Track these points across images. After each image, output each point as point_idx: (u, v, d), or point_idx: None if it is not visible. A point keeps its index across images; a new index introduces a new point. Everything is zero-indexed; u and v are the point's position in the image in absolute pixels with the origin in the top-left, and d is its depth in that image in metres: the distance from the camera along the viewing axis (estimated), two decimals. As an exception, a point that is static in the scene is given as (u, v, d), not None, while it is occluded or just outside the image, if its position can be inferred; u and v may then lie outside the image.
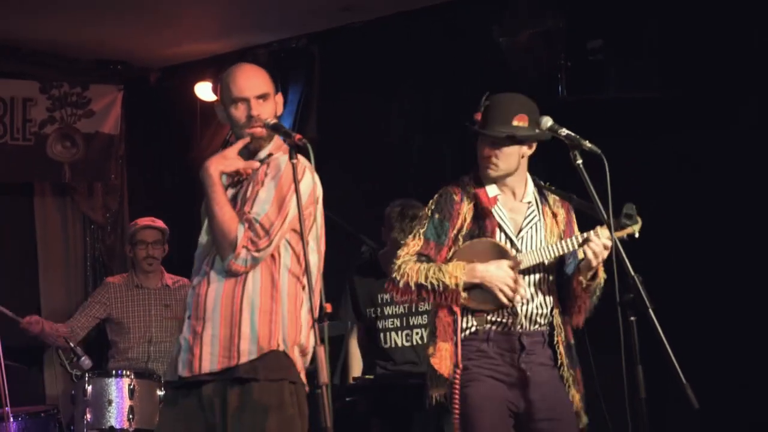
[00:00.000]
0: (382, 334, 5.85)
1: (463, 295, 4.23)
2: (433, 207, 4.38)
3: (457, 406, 4.24)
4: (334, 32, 7.29)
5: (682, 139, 5.84)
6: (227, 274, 3.88)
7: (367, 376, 5.83)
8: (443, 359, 4.28)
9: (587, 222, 4.33)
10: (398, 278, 4.28)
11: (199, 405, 3.90)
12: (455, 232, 4.34)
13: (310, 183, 3.95)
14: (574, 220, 4.50)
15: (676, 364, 3.57)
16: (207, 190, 3.89)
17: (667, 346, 3.58)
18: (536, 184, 4.48)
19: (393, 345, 5.86)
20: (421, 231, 4.36)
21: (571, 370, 4.37)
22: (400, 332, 5.90)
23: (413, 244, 4.35)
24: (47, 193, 8.09)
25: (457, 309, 4.29)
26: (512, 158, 4.31)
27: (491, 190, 4.37)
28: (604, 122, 5.44)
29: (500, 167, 4.32)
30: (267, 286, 3.89)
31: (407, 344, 5.86)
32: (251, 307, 3.87)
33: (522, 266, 4.28)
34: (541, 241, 4.38)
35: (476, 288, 4.25)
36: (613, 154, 3.92)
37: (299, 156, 3.88)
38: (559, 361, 4.37)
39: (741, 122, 5.71)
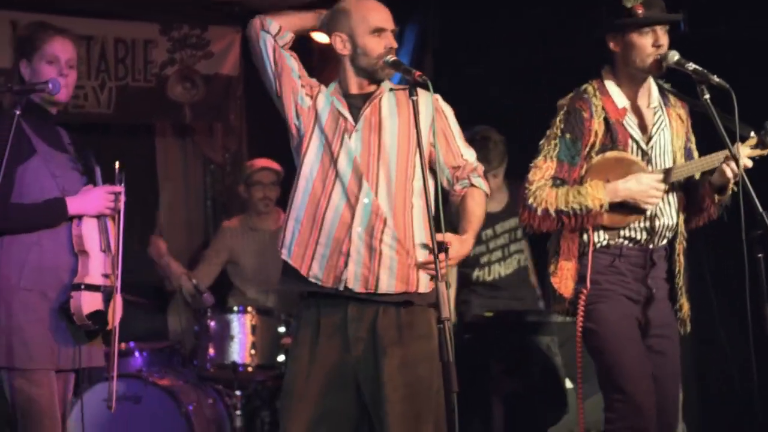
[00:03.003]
0: (487, 268, 5.96)
1: (605, 216, 4.12)
2: (562, 126, 4.20)
3: (581, 322, 4.13)
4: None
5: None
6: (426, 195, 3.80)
7: (486, 313, 5.89)
8: (564, 279, 4.17)
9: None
10: (535, 205, 4.13)
11: (341, 322, 3.93)
12: (587, 149, 4.18)
13: None
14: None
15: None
16: None
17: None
18: (657, 85, 4.35)
19: (497, 276, 5.99)
20: (554, 153, 4.18)
21: (686, 279, 4.30)
22: (502, 262, 5.99)
23: (546, 168, 4.18)
24: (168, 134, 8.19)
25: (590, 227, 4.16)
26: None
27: (620, 100, 4.23)
28: (726, 58, 5.34)
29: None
30: (425, 219, 3.87)
31: (509, 271, 5.95)
32: (420, 235, 3.93)
33: (673, 178, 4.17)
34: (668, 144, 4.26)
35: (613, 206, 4.13)
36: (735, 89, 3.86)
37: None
38: (677, 270, 4.27)
39: None
